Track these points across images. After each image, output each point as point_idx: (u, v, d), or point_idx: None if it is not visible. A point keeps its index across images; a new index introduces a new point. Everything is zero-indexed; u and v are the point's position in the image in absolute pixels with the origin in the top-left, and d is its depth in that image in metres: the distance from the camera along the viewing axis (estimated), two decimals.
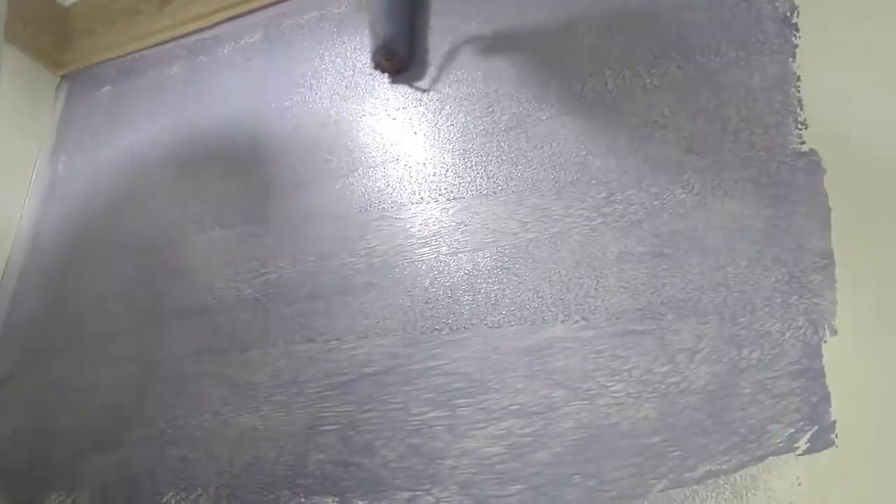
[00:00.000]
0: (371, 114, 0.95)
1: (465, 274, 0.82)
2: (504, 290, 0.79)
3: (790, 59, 0.71)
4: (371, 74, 0.97)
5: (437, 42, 0.94)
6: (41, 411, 1.04)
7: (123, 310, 1.03)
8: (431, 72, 0.93)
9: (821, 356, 0.63)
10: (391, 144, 0.92)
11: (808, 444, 0.62)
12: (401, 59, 0.92)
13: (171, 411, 0.94)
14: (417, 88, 0.92)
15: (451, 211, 0.85)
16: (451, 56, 0.91)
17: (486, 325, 0.78)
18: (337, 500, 0.79)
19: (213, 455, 0.89)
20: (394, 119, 0.93)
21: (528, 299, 0.77)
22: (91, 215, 1.15)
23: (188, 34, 1.18)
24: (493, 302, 0.79)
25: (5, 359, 1.12)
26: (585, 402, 0.71)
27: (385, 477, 0.77)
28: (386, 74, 0.94)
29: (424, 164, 0.88)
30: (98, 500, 0.93)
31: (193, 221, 1.03)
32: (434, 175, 0.87)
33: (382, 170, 0.91)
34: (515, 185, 0.82)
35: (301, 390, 0.86)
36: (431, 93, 0.91)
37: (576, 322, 0.74)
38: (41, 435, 1.02)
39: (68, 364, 1.05)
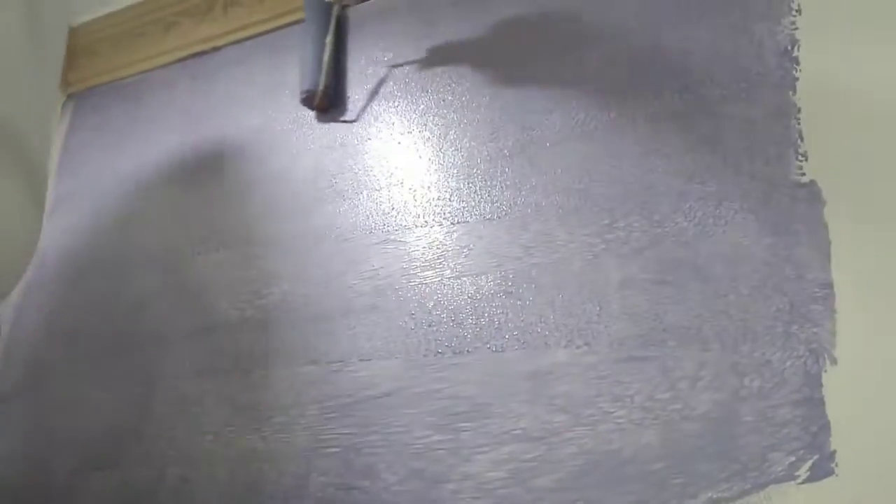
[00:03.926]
0: (376, 137, 0.96)
1: (469, 298, 0.82)
2: (507, 314, 0.80)
3: (791, 92, 0.73)
4: (376, 99, 0.98)
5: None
6: (42, 429, 1.04)
7: (126, 329, 1.04)
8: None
9: (821, 386, 0.64)
10: (396, 168, 0.93)
11: (809, 473, 0.62)
12: (325, 97, 0.99)
13: (172, 431, 0.94)
14: (344, 122, 1.00)
15: (455, 235, 0.86)
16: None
17: (489, 348, 0.79)
18: None
19: (213, 476, 0.89)
20: (399, 143, 0.94)
21: (532, 324, 0.78)
22: (95, 234, 1.15)
23: (193, 56, 1.20)
24: (497, 326, 0.80)
25: (7, 376, 1.12)
26: (588, 427, 0.72)
27: (387, 500, 0.78)
28: (314, 112, 1.03)
29: (429, 188, 0.89)
30: None
31: (197, 242, 1.04)
32: (438, 199, 0.88)
33: (387, 193, 0.92)
34: (519, 211, 0.83)
35: (303, 412, 0.87)
36: (436, 118, 0.92)
37: (578, 347, 0.75)
38: (41, 453, 1.02)
39: (69, 382, 1.05)
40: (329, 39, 0.98)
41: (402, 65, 0.98)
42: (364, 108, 0.99)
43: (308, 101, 1.00)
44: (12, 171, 0.66)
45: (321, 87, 0.98)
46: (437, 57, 0.96)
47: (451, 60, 0.95)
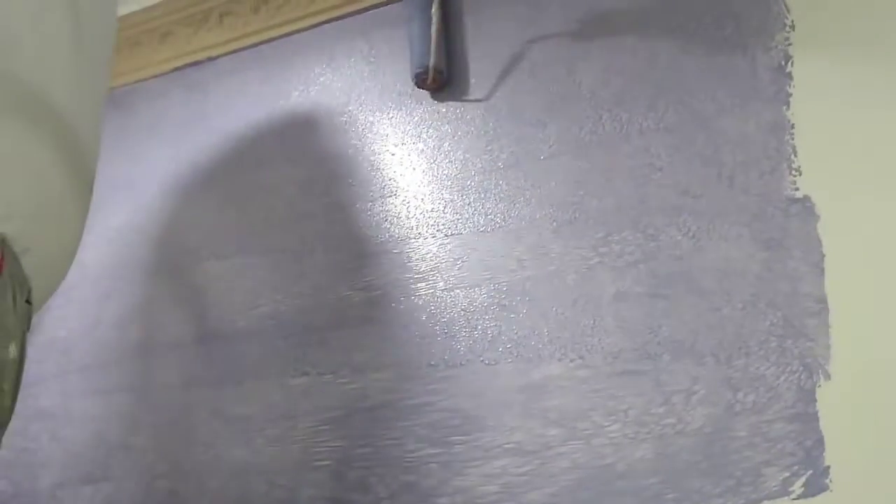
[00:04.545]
0: (370, 149, 0.96)
1: (462, 310, 0.82)
2: (501, 326, 0.79)
3: (785, 107, 0.73)
4: (370, 110, 0.98)
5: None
6: (28, 441, 1.03)
7: (116, 339, 1.03)
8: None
9: (815, 401, 0.64)
10: (389, 179, 0.93)
11: (803, 489, 0.62)
12: (439, 75, 0.91)
13: (161, 443, 0.93)
14: (470, 100, 0.91)
15: (449, 247, 0.85)
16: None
17: (482, 361, 0.79)
18: None
19: (203, 489, 0.88)
20: (392, 154, 0.94)
21: (525, 337, 0.78)
22: (87, 244, 1.14)
23: (187, 66, 1.19)
24: (490, 339, 0.79)
25: None
26: (581, 441, 0.71)
27: None
28: (427, 92, 0.94)
29: (423, 199, 0.89)
30: None
31: (189, 253, 1.03)
32: (432, 211, 0.88)
33: (381, 204, 0.92)
34: (513, 223, 0.83)
35: (294, 424, 0.86)
36: (430, 129, 0.92)
37: (572, 361, 0.75)
38: (28, 465, 1.01)
39: (58, 393, 1.04)
40: (434, 10, 0.89)
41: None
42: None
43: (421, 81, 0.92)
44: (65, 163, 0.64)
45: (432, 63, 0.89)
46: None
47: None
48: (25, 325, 0.63)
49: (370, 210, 0.92)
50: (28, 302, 0.63)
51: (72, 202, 0.67)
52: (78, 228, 0.71)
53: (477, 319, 0.81)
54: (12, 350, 0.60)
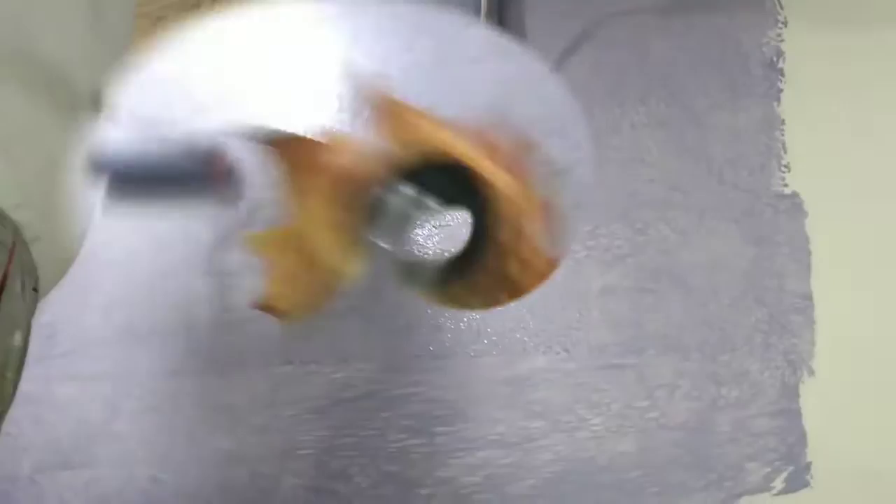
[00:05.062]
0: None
1: None
2: (486, 318, 0.79)
3: (775, 103, 0.73)
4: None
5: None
6: (8, 426, 1.02)
7: (99, 325, 1.02)
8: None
9: (798, 397, 0.64)
10: None
11: (784, 485, 0.62)
12: None
13: (142, 430, 0.92)
14: None
15: (436, 238, 0.85)
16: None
17: (468, 353, 0.78)
18: None
19: (184, 476, 0.87)
20: None
21: (511, 329, 0.77)
22: None
23: None
24: (476, 330, 0.79)
25: None
26: (564, 434, 0.71)
27: None
28: None
29: None
30: None
31: None
32: None
33: None
34: None
35: (277, 413, 0.85)
36: None
37: (557, 354, 0.74)
38: (7, 451, 1.00)
39: (40, 378, 1.03)
40: None
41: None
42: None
43: None
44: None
45: None
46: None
47: None
48: (31, 314, 0.63)
49: None
50: (35, 290, 0.63)
51: (84, 191, 0.67)
52: (87, 218, 0.70)
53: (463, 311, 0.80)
54: (17, 338, 0.59)
